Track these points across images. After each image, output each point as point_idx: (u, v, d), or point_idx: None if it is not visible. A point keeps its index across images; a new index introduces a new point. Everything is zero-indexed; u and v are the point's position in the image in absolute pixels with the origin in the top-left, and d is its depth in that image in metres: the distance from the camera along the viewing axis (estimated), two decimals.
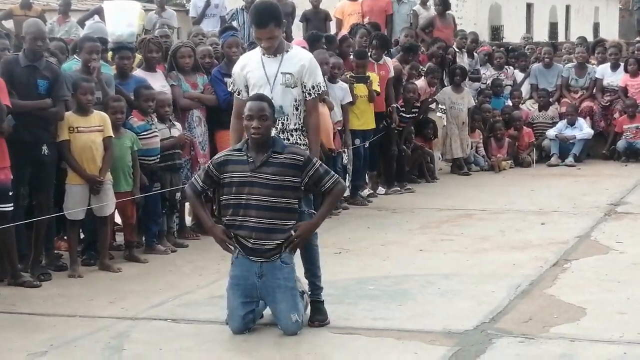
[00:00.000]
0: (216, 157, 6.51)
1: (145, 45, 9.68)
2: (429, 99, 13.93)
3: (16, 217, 7.79)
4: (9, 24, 16.70)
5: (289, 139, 6.50)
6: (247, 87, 6.62)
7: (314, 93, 6.57)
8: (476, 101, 15.16)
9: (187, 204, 9.92)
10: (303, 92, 6.56)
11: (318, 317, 6.49)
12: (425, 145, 13.67)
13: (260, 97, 6.32)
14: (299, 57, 6.61)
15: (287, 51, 6.57)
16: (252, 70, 6.57)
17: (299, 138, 6.58)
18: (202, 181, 6.42)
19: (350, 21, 15.63)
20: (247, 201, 6.25)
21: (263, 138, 6.24)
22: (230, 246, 6.33)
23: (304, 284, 6.63)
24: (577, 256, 8.56)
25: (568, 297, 7.10)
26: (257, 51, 6.63)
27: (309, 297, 6.58)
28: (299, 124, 6.59)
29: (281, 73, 6.50)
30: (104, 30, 10.24)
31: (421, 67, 13.86)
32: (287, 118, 6.51)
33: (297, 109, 6.56)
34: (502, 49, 17.40)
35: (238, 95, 6.68)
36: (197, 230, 9.85)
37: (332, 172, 6.41)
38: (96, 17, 13.51)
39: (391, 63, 12.58)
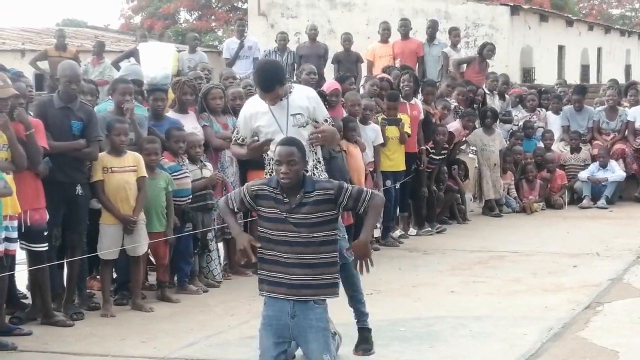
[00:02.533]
0: (251, 185, 6.21)
1: (180, 87, 9.75)
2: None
3: (49, 257, 7.86)
4: (43, 65, 16.93)
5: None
6: (254, 134, 6.71)
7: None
8: (508, 143, 15.15)
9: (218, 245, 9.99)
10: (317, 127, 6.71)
11: (363, 346, 6.50)
12: (456, 185, 13.67)
13: (289, 142, 6.18)
14: (303, 95, 6.76)
15: (291, 92, 6.70)
16: (261, 119, 6.68)
17: (320, 175, 6.73)
18: (237, 204, 6.27)
19: (381, 63, 15.72)
20: (283, 238, 6.16)
21: (292, 182, 6.07)
22: (251, 256, 6.06)
23: (336, 325, 6.63)
24: (610, 299, 8.51)
25: (601, 340, 7.06)
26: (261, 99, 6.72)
27: (356, 325, 6.66)
28: (316, 159, 6.74)
29: (291, 115, 6.62)
30: (139, 72, 10.34)
31: (456, 105, 13.86)
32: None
33: (312, 145, 6.69)
34: (534, 90, 17.41)
35: (242, 142, 6.78)
36: (229, 270, 9.90)
37: (365, 189, 6.20)
38: (132, 59, 13.66)
39: (421, 104, 12.60)
